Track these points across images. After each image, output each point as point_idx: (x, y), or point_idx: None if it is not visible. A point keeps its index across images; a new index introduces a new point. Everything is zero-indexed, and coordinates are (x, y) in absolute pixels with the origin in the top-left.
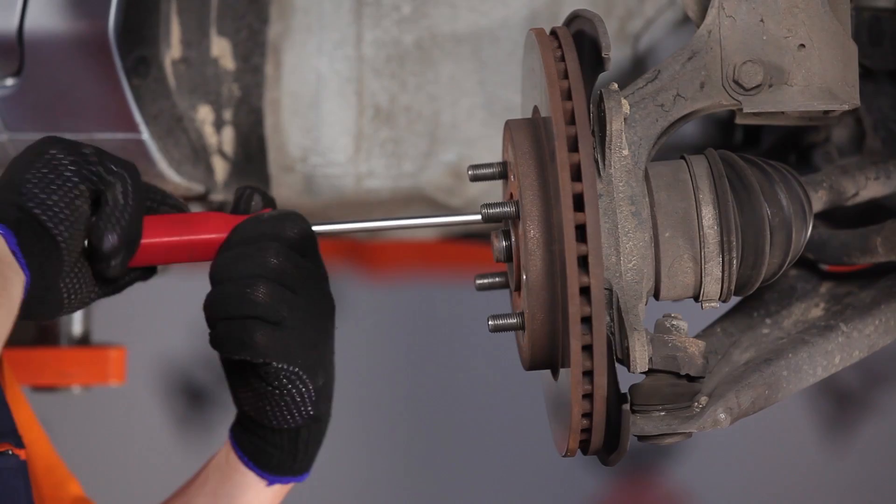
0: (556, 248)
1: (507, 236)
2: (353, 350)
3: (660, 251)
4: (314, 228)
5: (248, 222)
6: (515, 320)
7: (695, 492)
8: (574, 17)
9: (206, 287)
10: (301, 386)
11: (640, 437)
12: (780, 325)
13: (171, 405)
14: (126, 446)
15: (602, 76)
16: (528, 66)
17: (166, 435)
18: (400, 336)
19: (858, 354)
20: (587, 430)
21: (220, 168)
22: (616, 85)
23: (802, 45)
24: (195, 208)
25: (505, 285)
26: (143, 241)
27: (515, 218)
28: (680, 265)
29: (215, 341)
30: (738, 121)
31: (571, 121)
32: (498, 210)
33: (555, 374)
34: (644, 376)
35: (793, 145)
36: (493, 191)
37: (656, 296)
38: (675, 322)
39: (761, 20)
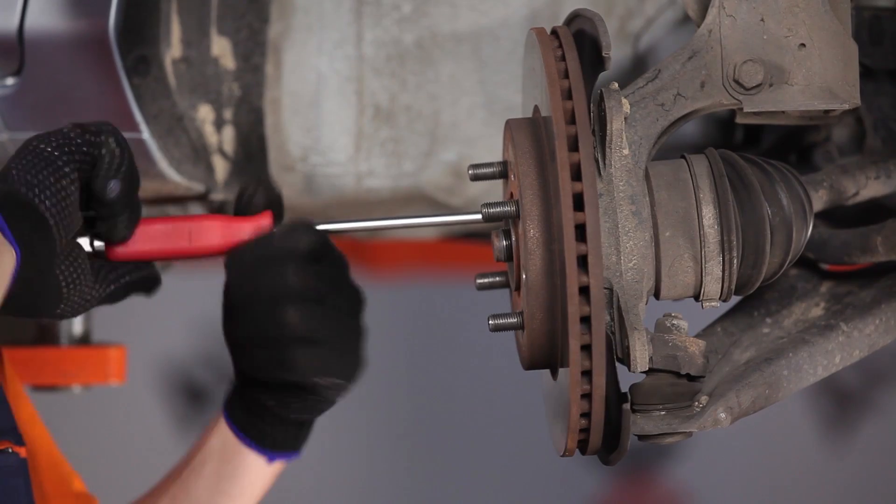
0: (556, 248)
1: (507, 236)
2: None
3: (660, 250)
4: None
5: (260, 242)
6: (515, 320)
7: (695, 491)
8: (574, 17)
9: (206, 287)
10: (339, 391)
11: (641, 437)
12: (780, 324)
13: (171, 405)
14: (126, 446)
15: (602, 75)
16: (528, 65)
17: (166, 435)
18: (400, 336)
19: (859, 354)
20: (585, 430)
21: (221, 167)
22: (616, 84)
23: (803, 45)
24: (195, 208)
25: (505, 285)
26: (143, 248)
27: (516, 217)
28: (680, 264)
29: (254, 367)
30: (739, 120)
31: (572, 120)
32: (498, 209)
33: (554, 373)
34: (644, 376)
35: (793, 145)
36: (494, 190)
37: (657, 295)
38: (675, 321)
39: (762, 19)
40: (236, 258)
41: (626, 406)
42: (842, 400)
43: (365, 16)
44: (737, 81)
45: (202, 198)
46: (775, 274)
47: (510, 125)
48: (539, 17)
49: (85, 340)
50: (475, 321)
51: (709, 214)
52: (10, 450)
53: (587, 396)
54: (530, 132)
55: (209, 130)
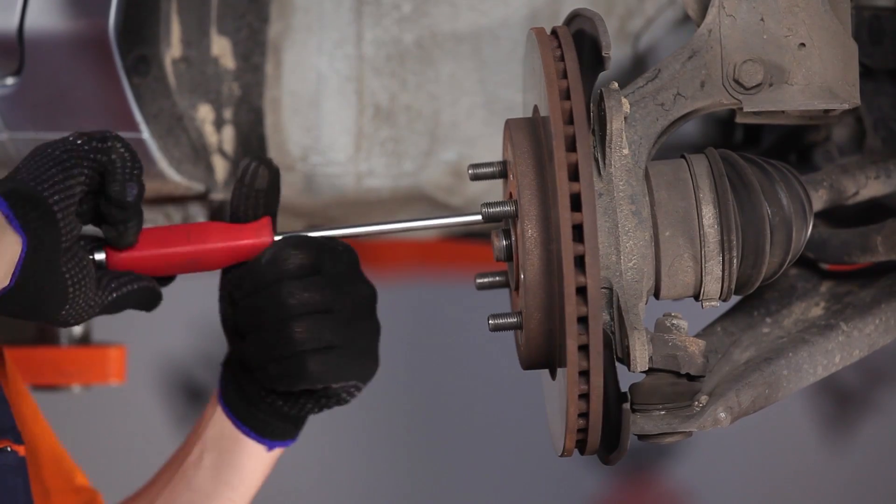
0: (554, 248)
1: (507, 235)
2: None
3: (660, 250)
4: (312, 235)
5: (251, 268)
6: (515, 320)
7: (695, 491)
8: (574, 16)
9: (205, 286)
10: (355, 391)
11: (641, 437)
12: (780, 324)
13: (171, 405)
14: (126, 446)
15: (602, 75)
16: (528, 65)
17: (166, 435)
18: (400, 336)
19: (858, 353)
20: (584, 430)
21: (221, 167)
22: (616, 84)
23: (803, 44)
24: (195, 207)
25: (505, 284)
26: (144, 254)
27: (515, 217)
28: (680, 264)
29: (270, 380)
30: (739, 120)
31: (570, 120)
32: (498, 209)
33: (552, 373)
34: (644, 375)
35: (793, 144)
36: (494, 190)
37: (656, 295)
38: (675, 321)
39: (761, 19)
40: (234, 285)
41: (626, 406)
42: (842, 400)
43: (365, 15)
44: (737, 81)
45: (202, 197)
46: (775, 274)
47: (509, 125)
48: (539, 16)
49: (85, 340)
50: (475, 321)
51: (709, 214)
52: (8, 448)
53: (585, 396)
54: (529, 132)
55: (209, 130)
